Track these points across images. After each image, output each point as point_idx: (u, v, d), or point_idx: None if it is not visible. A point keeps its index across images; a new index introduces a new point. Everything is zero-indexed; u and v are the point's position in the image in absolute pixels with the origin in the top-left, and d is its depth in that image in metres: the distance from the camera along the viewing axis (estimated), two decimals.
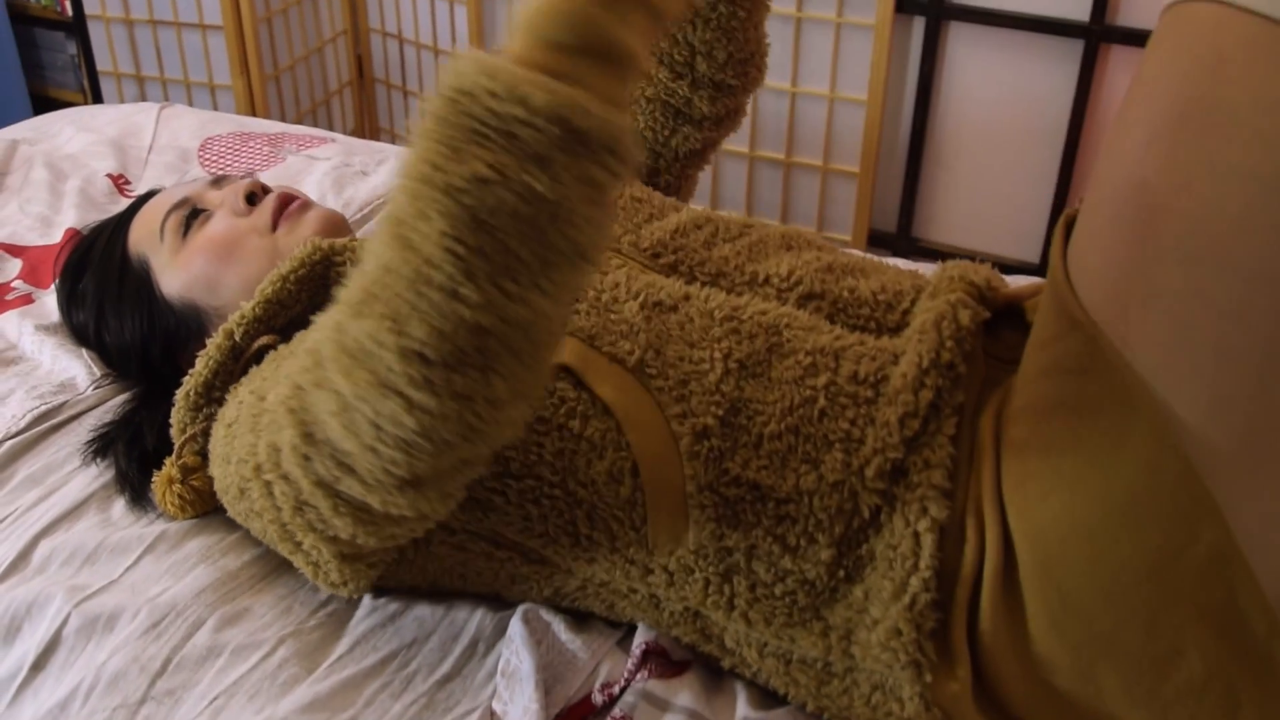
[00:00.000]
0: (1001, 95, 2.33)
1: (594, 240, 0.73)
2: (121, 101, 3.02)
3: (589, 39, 0.71)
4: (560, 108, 0.68)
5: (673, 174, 1.35)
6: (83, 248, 1.37)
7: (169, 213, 1.26)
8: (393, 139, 3.03)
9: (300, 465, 0.84)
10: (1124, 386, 0.76)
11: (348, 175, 1.81)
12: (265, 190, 1.27)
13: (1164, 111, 0.75)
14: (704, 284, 1.06)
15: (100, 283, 1.31)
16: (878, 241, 2.51)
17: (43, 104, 3.28)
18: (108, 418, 1.31)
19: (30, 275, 1.59)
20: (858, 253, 1.21)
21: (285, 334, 1.12)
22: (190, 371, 1.13)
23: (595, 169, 0.70)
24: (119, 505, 1.20)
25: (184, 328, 1.25)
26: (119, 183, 1.82)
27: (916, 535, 0.86)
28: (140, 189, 1.81)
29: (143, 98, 3.02)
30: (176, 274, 1.24)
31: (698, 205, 1.22)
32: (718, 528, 0.91)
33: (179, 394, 1.13)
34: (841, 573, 0.89)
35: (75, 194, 1.77)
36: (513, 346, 0.73)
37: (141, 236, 1.28)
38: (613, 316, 1.00)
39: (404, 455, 0.76)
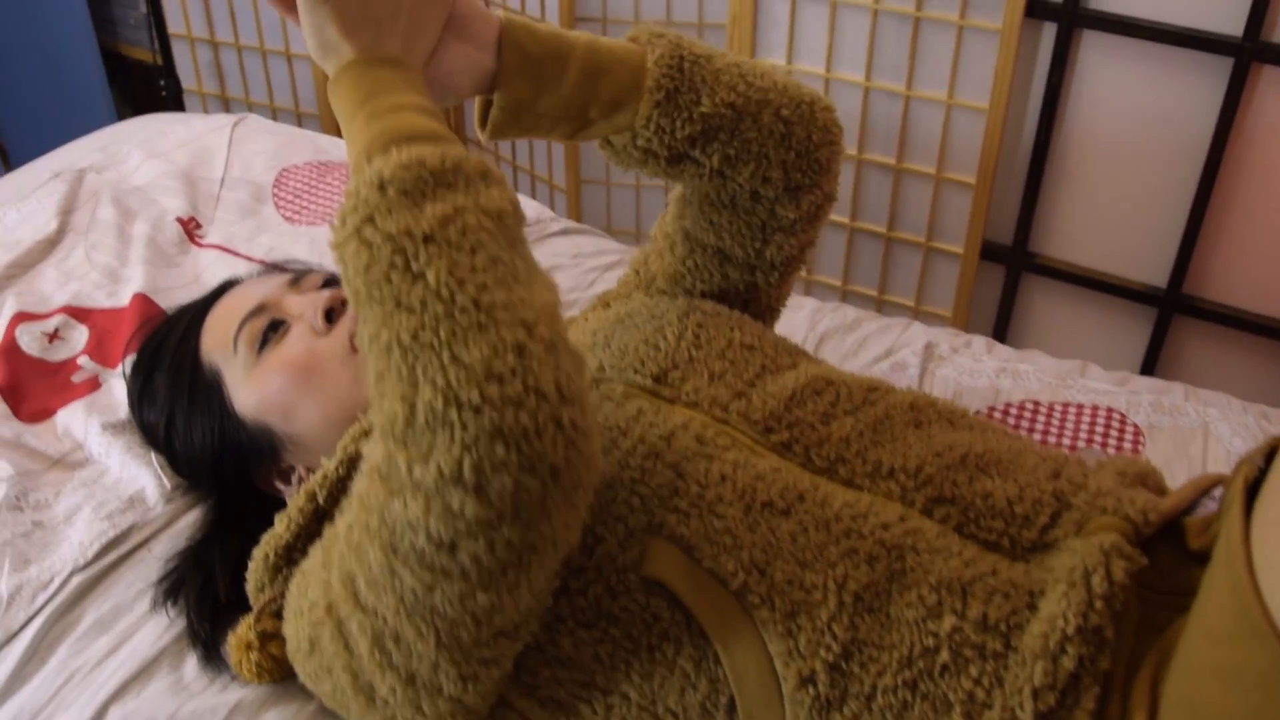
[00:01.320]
0: (1136, 110, 2.13)
1: None
2: (194, 65, 2.90)
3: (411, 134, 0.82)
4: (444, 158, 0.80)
5: (772, 285, 1.20)
6: (154, 342, 1.28)
7: (244, 322, 1.15)
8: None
9: (388, 583, 0.77)
10: None
11: None
12: (345, 303, 1.15)
13: None
14: (821, 470, 0.94)
15: (171, 386, 1.22)
16: (992, 254, 2.34)
17: (113, 60, 3.17)
18: (180, 541, 1.23)
19: (97, 350, 1.49)
20: (994, 426, 1.06)
21: None
22: (268, 533, 1.04)
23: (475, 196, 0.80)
24: (191, 663, 1.12)
25: (257, 447, 1.16)
26: (189, 228, 1.71)
27: None
28: (212, 234, 1.70)
29: (216, 64, 2.89)
30: (250, 393, 1.14)
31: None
32: None
33: (256, 554, 1.04)
34: None
35: (144, 243, 1.66)
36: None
37: (214, 343, 1.18)
38: (716, 522, 0.88)
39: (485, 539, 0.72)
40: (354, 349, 1.11)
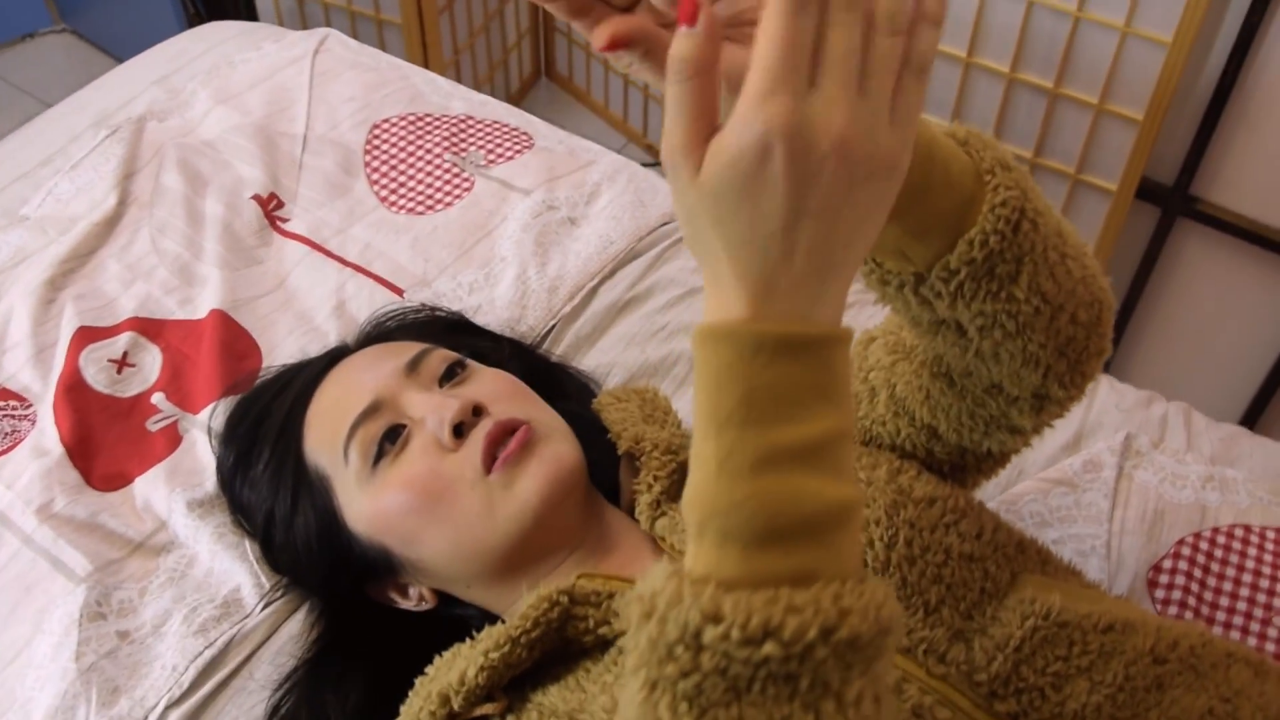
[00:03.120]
0: None
1: None
2: None
3: (787, 523, 0.52)
4: (821, 626, 0.50)
5: (982, 471, 1.00)
6: (250, 417, 1.11)
7: (356, 426, 0.97)
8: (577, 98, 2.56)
9: None
10: None
11: (551, 227, 1.44)
12: (477, 411, 0.96)
13: None
14: None
15: (272, 479, 1.05)
16: (1148, 194, 2.09)
17: None
18: (283, 659, 1.09)
19: (173, 384, 1.29)
20: (1247, 658, 0.88)
21: (511, 690, 0.88)
22: None
23: (879, 664, 0.53)
24: None
25: (372, 565, 1.00)
26: (269, 210, 1.47)
27: None
28: (296, 217, 1.47)
29: None
30: (364, 510, 0.97)
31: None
32: None
33: None
34: None
35: (218, 228, 1.43)
36: None
37: (322, 442, 1.00)
38: None
39: None
40: (487, 470, 0.92)
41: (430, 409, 0.96)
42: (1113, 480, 1.25)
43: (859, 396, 0.97)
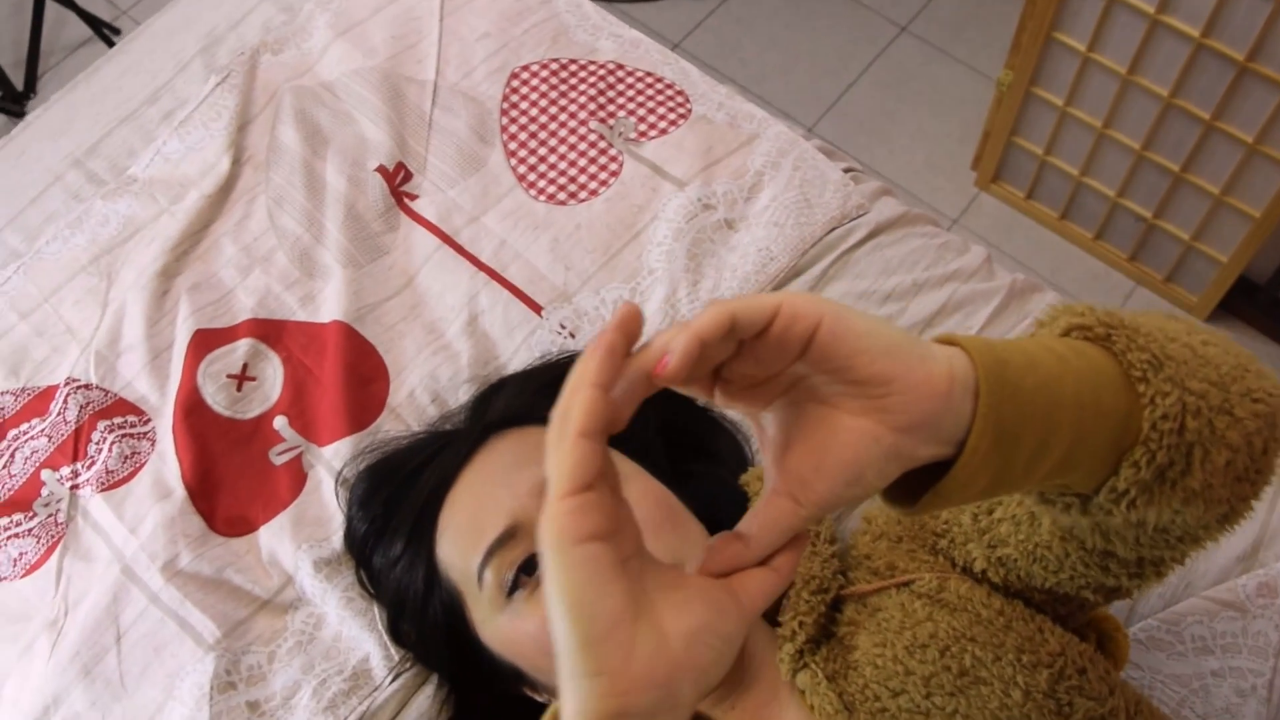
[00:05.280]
0: None
1: None
2: None
3: None
4: None
5: (1160, 578, 0.89)
6: (383, 493, 1.07)
7: (491, 552, 0.91)
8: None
9: None
10: None
11: (706, 233, 1.28)
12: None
13: None
14: None
15: (405, 565, 1.01)
16: None
17: None
18: None
19: (294, 406, 1.21)
20: None
21: None
22: None
23: None
24: None
25: (503, 675, 0.96)
26: (395, 185, 1.33)
27: None
28: (425, 194, 1.33)
29: None
30: (498, 635, 0.93)
31: None
32: None
33: None
34: None
35: (340, 211, 1.30)
36: None
37: (455, 557, 0.95)
38: None
39: None
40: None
41: None
42: None
43: (1018, 520, 0.88)
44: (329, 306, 1.25)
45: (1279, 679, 1.11)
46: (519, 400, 1.10)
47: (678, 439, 1.13)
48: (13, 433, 1.22)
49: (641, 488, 0.96)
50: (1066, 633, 0.91)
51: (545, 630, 0.88)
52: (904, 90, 2.55)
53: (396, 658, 1.10)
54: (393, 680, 1.09)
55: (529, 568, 0.88)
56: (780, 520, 0.57)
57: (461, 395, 1.20)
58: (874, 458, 0.55)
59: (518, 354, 1.23)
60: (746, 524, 0.58)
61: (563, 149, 1.36)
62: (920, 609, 0.91)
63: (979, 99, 2.47)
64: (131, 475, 1.18)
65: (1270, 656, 1.12)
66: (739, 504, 1.06)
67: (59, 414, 1.21)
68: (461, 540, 0.94)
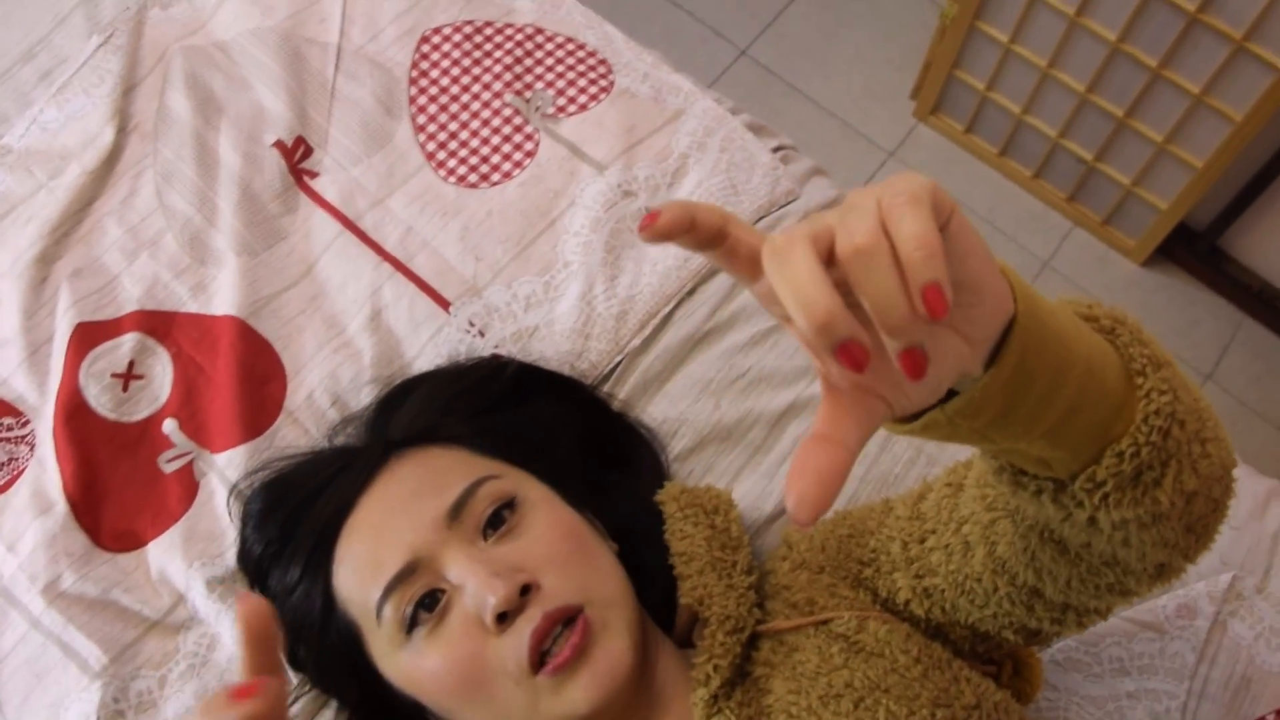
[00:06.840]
0: None
1: None
2: None
3: None
4: None
5: (1081, 627, 0.87)
6: (280, 515, 1.02)
7: (389, 590, 0.87)
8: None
9: None
10: None
11: (626, 223, 1.20)
12: (525, 588, 0.85)
13: None
14: None
15: (302, 594, 0.97)
16: None
17: None
18: None
19: (187, 413, 1.13)
20: None
21: None
22: None
23: None
24: None
25: (404, 708, 0.93)
26: (293, 163, 1.23)
27: None
28: (325, 174, 1.24)
29: None
30: (398, 672, 0.90)
31: None
32: None
33: None
34: None
35: (234, 188, 1.20)
36: None
37: (352, 591, 0.92)
38: None
39: None
40: (534, 669, 0.83)
41: (472, 581, 0.85)
42: (1205, 630, 1.13)
43: (951, 549, 0.86)
44: (222, 297, 1.17)
45: (1192, 701, 1.10)
46: (423, 417, 1.04)
47: (596, 449, 1.08)
48: None
49: (549, 519, 0.93)
50: (983, 680, 0.89)
51: (447, 668, 0.85)
52: (844, 12, 2.45)
53: (295, 682, 1.05)
54: (291, 704, 1.05)
55: (428, 604, 0.85)
56: (874, 421, 0.54)
57: (364, 398, 1.14)
58: (954, 371, 0.55)
59: (423, 353, 1.17)
60: (830, 427, 0.53)
61: (475, 124, 1.27)
62: (837, 654, 0.88)
63: (922, 24, 2.38)
64: (9, 484, 1.11)
65: (1185, 679, 1.11)
66: (654, 518, 1.02)
67: None
68: (360, 573, 0.90)
